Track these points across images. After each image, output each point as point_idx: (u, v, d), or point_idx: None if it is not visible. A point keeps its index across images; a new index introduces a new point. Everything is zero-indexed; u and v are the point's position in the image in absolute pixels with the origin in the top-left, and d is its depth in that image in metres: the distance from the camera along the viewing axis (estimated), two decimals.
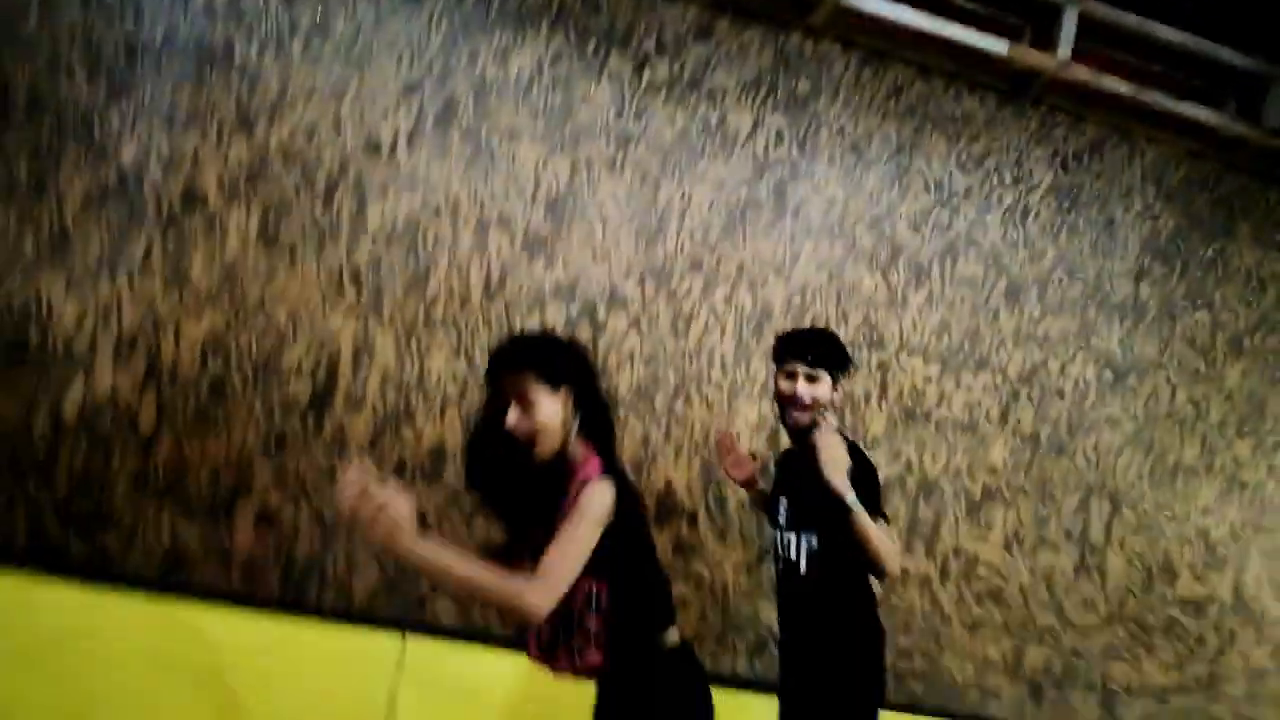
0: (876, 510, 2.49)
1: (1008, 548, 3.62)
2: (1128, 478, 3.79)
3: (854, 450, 2.54)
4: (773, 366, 2.72)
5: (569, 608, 1.91)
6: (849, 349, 2.70)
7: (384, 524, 1.69)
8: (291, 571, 2.96)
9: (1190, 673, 3.79)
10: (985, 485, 3.62)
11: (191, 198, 2.96)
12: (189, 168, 2.96)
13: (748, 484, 2.95)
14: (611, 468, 1.97)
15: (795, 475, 2.63)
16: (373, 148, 3.13)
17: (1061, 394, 3.74)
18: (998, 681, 3.56)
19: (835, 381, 2.61)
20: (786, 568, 2.62)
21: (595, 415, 2.02)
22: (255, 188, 3.02)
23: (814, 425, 2.59)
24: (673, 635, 2.04)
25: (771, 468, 3.04)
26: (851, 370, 2.74)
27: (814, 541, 2.54)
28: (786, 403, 2.62)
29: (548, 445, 1.95)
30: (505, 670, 2.99)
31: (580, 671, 2.00)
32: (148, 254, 2.91)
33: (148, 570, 2.83)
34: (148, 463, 2.86)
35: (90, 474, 2.81)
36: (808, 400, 2.58)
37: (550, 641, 2.00)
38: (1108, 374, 3.81)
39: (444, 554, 1.77)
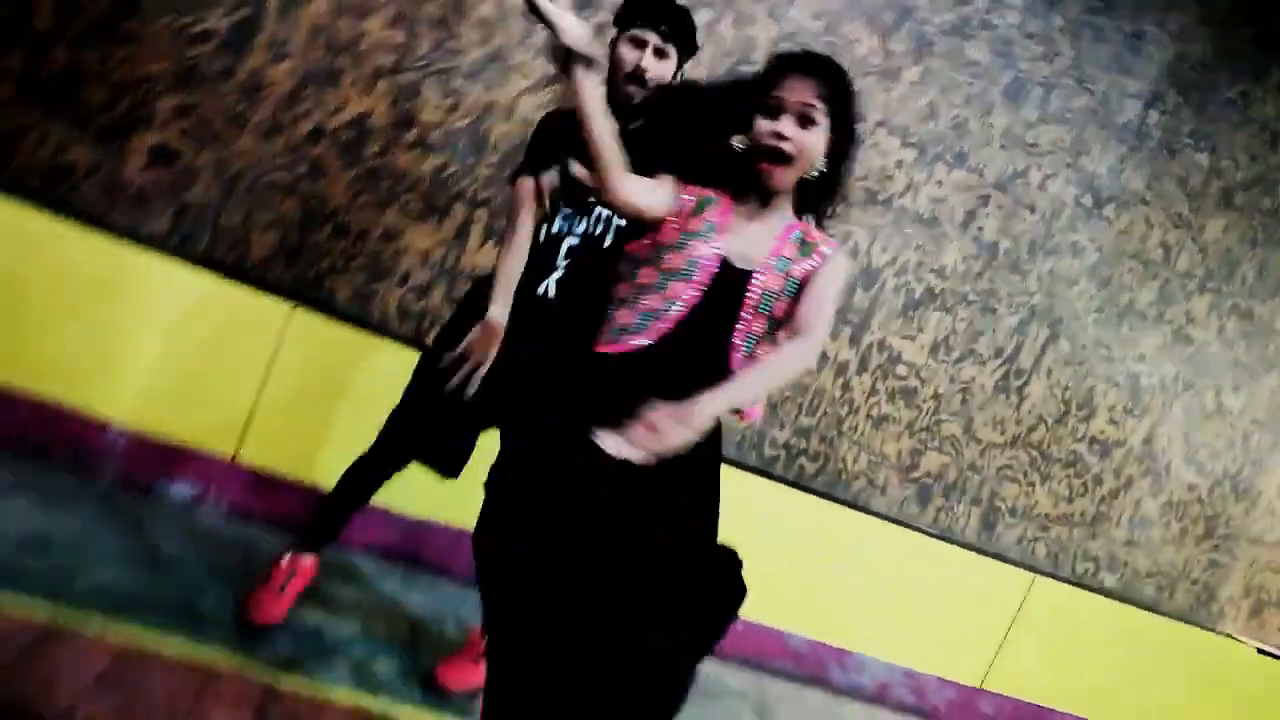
0: None
1: (934, 352, 3.52)
2: (1074, 308, 3.65)
3: None
4: (610, 30, 2.21)
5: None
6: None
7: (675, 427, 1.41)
8: (184, 216, 2.77)
9: (1078, 507, 3.83)
10: (929, 286, 3.47)
11: None
12: None
13: None
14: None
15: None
16: None
17: (1033, 209, 3.53)
18: (888, 477, 3.57)
19: (680, 66, 2.18)
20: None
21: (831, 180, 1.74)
22: None
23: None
24: None
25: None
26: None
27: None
28: (628, 77, 2.12)
29: (797, 170, 1.67)
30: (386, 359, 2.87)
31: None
32: None
33: (27, 180, 2.63)
34: (39, 66, 2.60)
35: None
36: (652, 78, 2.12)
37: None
38: (1087, 198, 3.59)
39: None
